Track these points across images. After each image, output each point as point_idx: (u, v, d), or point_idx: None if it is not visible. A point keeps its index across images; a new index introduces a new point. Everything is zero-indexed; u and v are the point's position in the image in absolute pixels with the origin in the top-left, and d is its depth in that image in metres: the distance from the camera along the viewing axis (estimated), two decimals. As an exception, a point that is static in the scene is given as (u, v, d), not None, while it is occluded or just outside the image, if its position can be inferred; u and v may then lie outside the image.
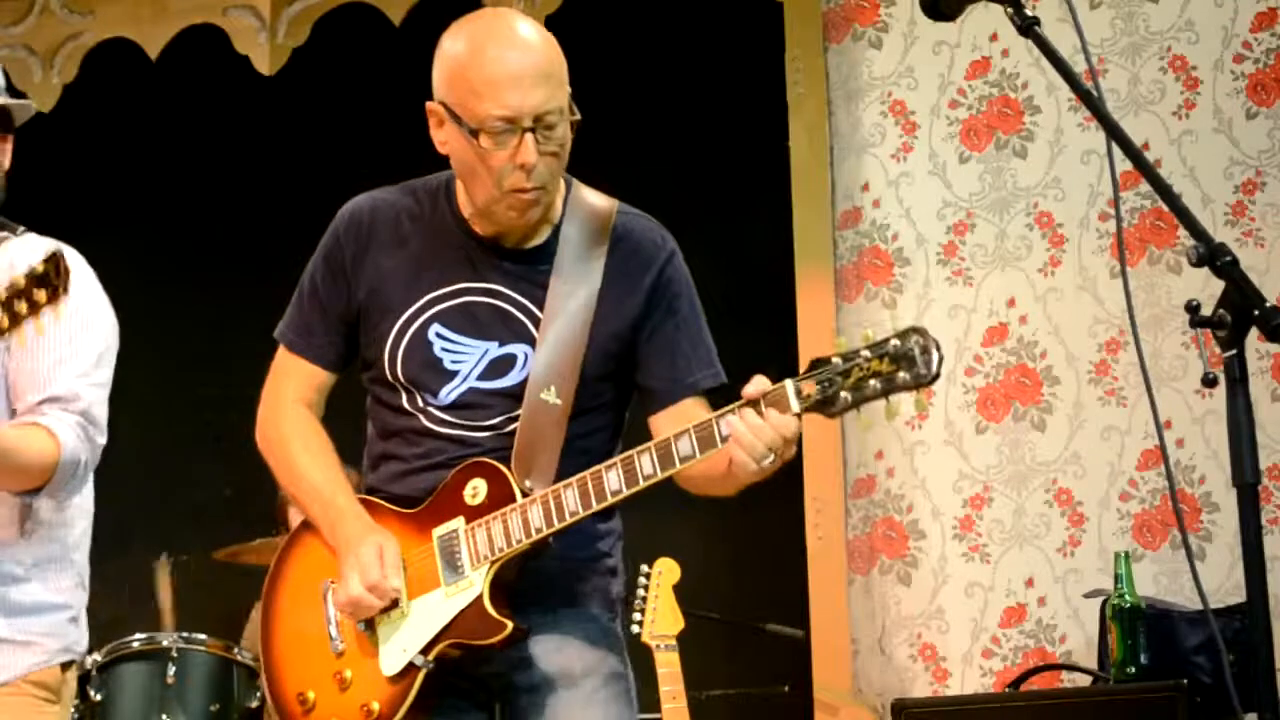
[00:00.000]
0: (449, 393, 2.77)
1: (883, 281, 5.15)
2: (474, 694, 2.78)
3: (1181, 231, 4.78)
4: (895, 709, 4.40)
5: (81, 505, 3.23)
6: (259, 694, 4.22)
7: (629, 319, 2.77)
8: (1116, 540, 4.79)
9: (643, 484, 2.58)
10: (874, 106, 5.25)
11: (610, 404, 2.81)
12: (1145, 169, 2.29)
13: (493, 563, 2.66)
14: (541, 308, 2.75)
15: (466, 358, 2.77)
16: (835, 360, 2.45)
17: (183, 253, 5.76)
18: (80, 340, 3.13)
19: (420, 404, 2.80)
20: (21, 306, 2.69)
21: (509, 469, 2.68)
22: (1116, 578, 4.38)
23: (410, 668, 2.69)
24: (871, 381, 2.41)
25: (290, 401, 2.93)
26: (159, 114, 5.80)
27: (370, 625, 2.74)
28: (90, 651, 4.01)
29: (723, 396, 2.67)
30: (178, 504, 5.62)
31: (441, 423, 2.78)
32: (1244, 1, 4.91)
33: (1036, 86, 5.07)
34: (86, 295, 3.20)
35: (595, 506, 2.61)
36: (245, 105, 5.77)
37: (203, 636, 4.29)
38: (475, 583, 2.67)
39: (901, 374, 2.40)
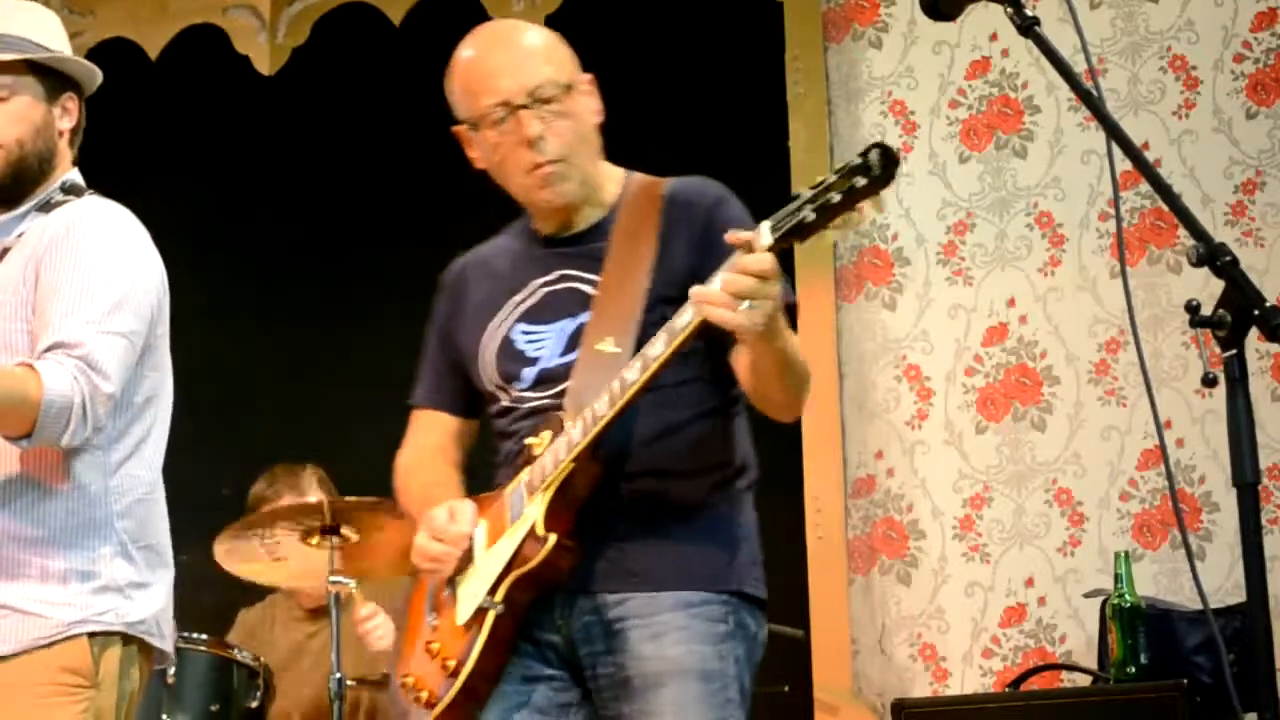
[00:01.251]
0: (531, 373, 2.82)
1: (882, 281, 5.15)
2: (571, 679, 2.75)
3: (1181, 231, 4.78)
4: (895, 709, 4.40)
5: (135, 473, 3.08)
6: (259, 694, 4.22)
7: (685, 267, 2.75)
8: (1116, 540, 4.79)
9: (654, 367, 2.58)
10: (874, 106, 5.25)
11: (698, 355, 2.75)
12: (1145, 169, 2.29)
13: (545, 489, 2.67)
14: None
15: (546, 340, 2.82)
16: (803, 190, 2.45)
17: (182, 252, 5.72)
18: (95, 289, 3.04)
19: (512, 396, 2.84)
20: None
21: (561, 412, 2.72)
22: (1116, 578, 4.38)
23: (479, 612, 2.70)
24: (832, 195, 2.40)
25: (414, 446, 3.01)
26: (159, 114, 5.80)
27: (453, 589, 2.77)
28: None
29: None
30: (178, 504, 5.61)
31: (526, 400, 2.81)
32: (1244, 1, 4.91)
33: (1036, 86, 5.07)
34: (111, 245, 3.14)
35: (621, 402, 2.61)
36: (245, 105, 5.77)
37: (203, 636, 4.29)
38: (530, 515, 2.69)
39: (858, 179, 2.38)
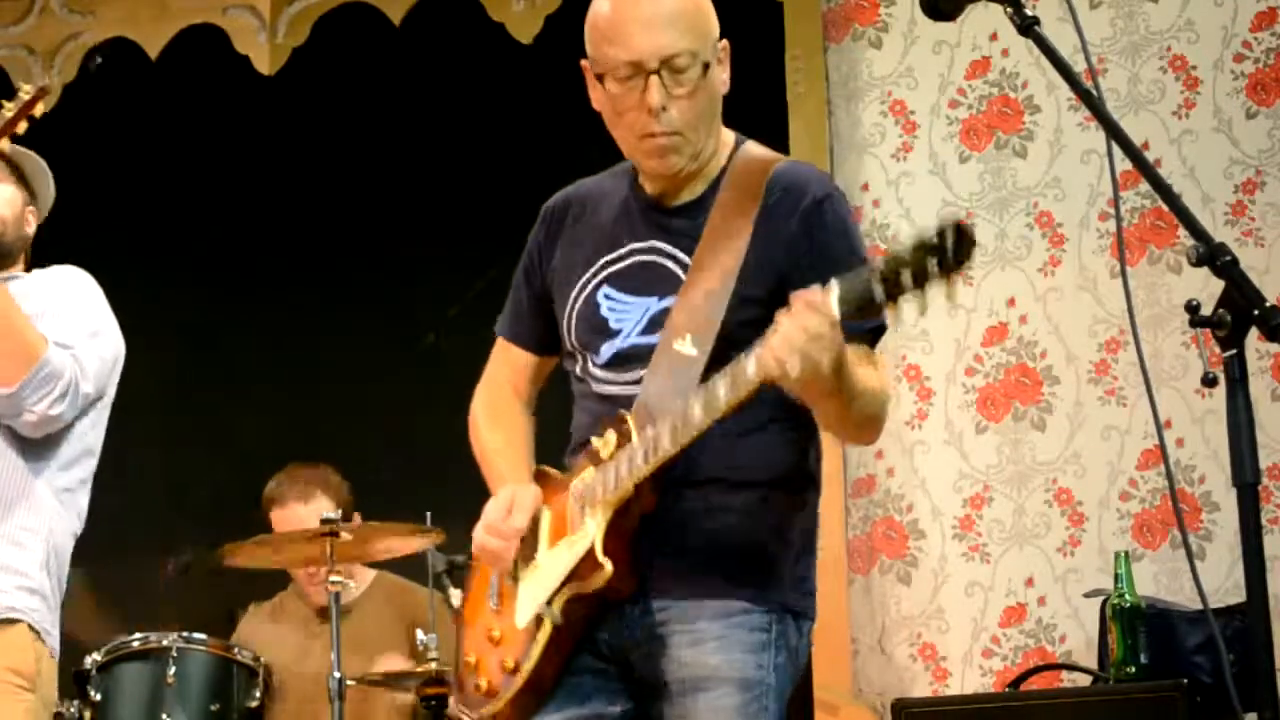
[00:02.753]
0: (608, 349, 2.77)
1: (883, 281, 5.14)
2: (616, 679, 2.74)
3: (1181, 231, 4.78)
4: (895, 709, 4.39)
5: (70, 509, 3.29)
6: (259, 694, 4.22)
7: (777, 267, 2.69)
8: (1116, 540, 4.79)
9: (721, 410, 2.51)
10: (874, 106, 5.25)
11: None
12: (1145, 169, 2.29)
13: (605, 506, 2.64)
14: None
15: (629, 314, 2.77)
16: (874, 261, 2.36)
17: (182, 252, 5.75)
18: (83, 315, 3.29)
19: (587, 367, 2.80)
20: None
21: (629, 415, 2.67)
22: (1116, 577, 4.38)
23: (538, 619, 2.69)
24: (904, 273, 2.29)
25: (491, 382, 2.98)
26: (159, 114, 5.80)
27: (516, 582, 2.75)
28: (89, 651, 4.04)
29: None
30: (178, 504, 5.61)
31: (601, 381, 2.78)
32: (1244, 1, 4.91)
33: (1036, 86, 5.07)
34: (93, 294, 3.35)
35: (683, 440, 2.55)
36: (245, 105, 5.77)
37: (203, 636, 4.29)
38: (590, 529, 2.66)
39: (930, 260, 2.27)
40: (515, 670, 2.70)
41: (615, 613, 2.71)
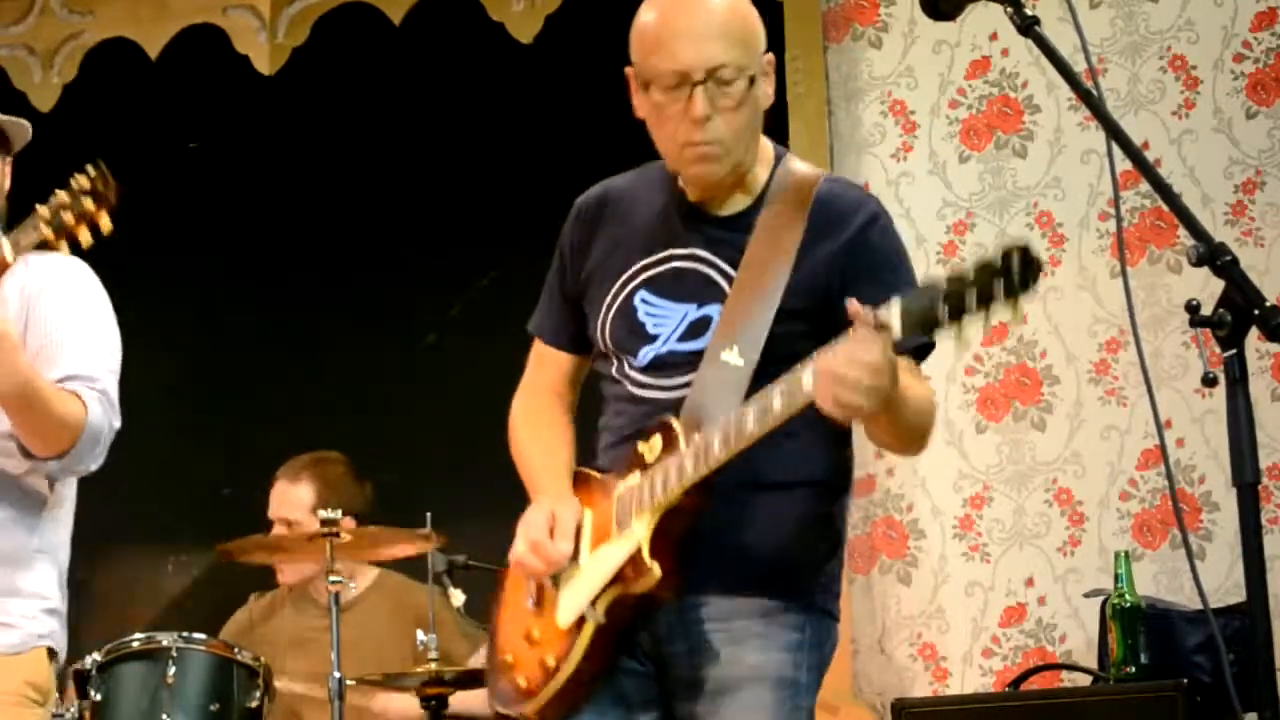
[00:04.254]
0: (646, 354, 2.78)
1: (883, 281, 5.14)
2: (655, 682, 2.76)
3: (1181, 231, 4.78)
4: (895, 709, 4.40)
5: (69, 522, 3.32)
6: (259, 694, 4.22)
7: (822, 284, 2.71)
8: (1116, 540, 4.79)
9: (773, 422, 2.54)
10: (874, 106, 5.25)
11: None
12: (1145, 168, 2.29)
13: (653, 511, 2.65)
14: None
15: (668, 320, 2.77)
16: (938, 279, 2.37)
17: (182, 252, 5.75)
18: (94, 327, 3.24)
19: (625, 369, 2.81)
20: (69, 217, 2.73)
21: (675, 421, 2.68)
22: (1116, 577, 4.38)
23: (581, 620, 2.70)
24: (968, 295, 2.30)
25: (531, 387, 2.98)
26: (159, 114, 5.80)
27: (556, 583, 2.75)
28: (89, 651, 4.04)
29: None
30: (178, 503, 5.62)
31: (639, 385, 2.79)
32: (1244, 1, 4.91)
33: (1036, 86, 5.07)
34: (96, 294, 3.31)
35: (734, 447, 2.57)
36: (245, 105, 5.77)
37: (202, 636, 4.28)
38: (637, 532, 2.67)
39: (996, 283, 2.27)
40: (556, 670, 2.71)
41: (653, 611, 2.72)
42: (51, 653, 3.24)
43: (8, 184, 3.33)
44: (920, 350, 2.71)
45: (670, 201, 2.84)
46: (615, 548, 2.70)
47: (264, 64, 5.62)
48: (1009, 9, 2.34)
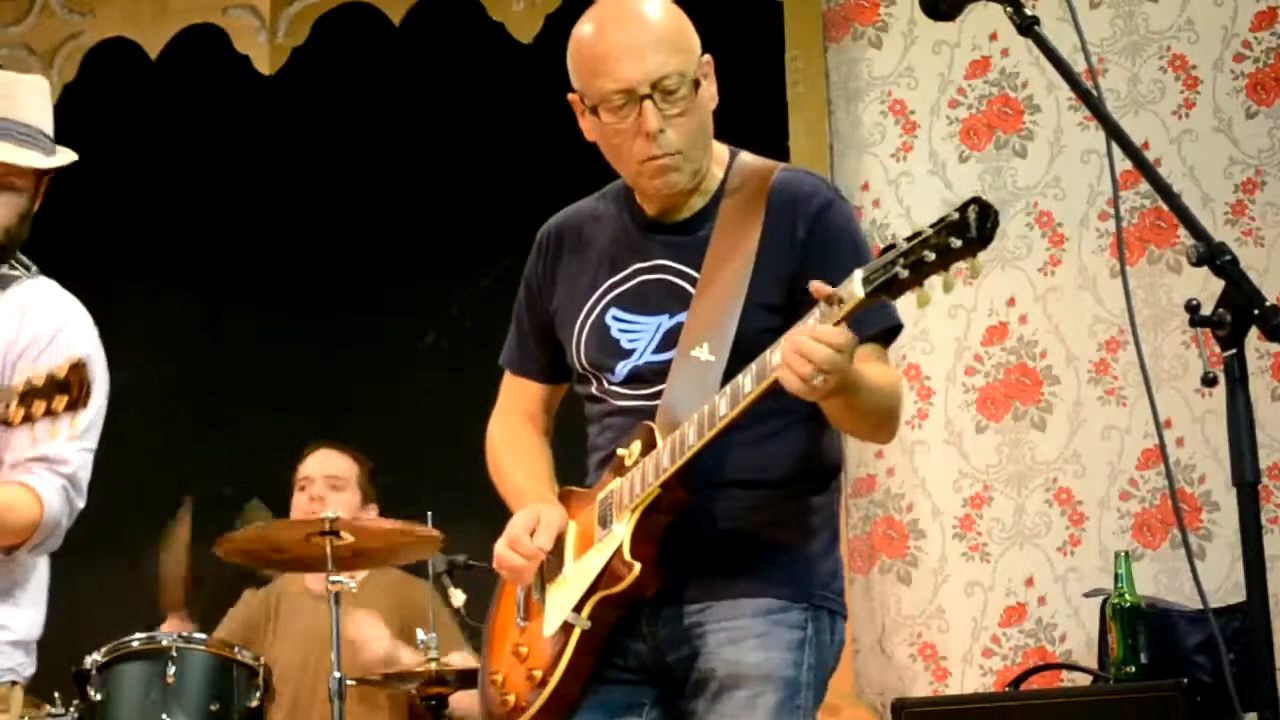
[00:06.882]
0: (623, 369, 2.79)
1: (883, 281, 5.14)
2: (647, 689, 2.77)
3: (1181, 231, 4.78)
4: (895, 708, 4.39)
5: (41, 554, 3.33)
6: (259, 694, 4.22)
7: (786, 271, 2.72)
8: (1116, 540, 4.79)
9: (746, 403, 2.55)
10: (874, 106, 5.25)
11: None
12: (1145, 168, 2.29)
13: (632, 510, 2.66)
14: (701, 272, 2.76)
15: (641, 334, 2.79)
16: (899, 243, 2.38)
17: (182, 252, 5.75)
18: (87, 410, 3.12)
19: (604, 386, 2.82)
20: (38, 408, 2.75)
21: (653, 424, 2.69)
22: (1116, 577, 4.38)
23: (566, 626, 2.70)
24: (927, 252, 2.32)
25: (506, 410, 3.00)
26: (159, 114, 5.80)
27: (543, 594, 2.77)
28: (89, 651, 4.05)
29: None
30: (178, 502, 5.61)
31: (620, 397, 2.80)
32: (1244, 1, 4.91)
33: (1036, 86, 5.07)
34: (97, 357, 3.29)
35: (708, 434, 2.58)
36: (245, 105, 5.77)
37: (202, 636, 4.29)
38: (618, 532, 2.68)
39: (953, 239, 2.29)
40: (543, 683, 2.72)
41: (649, 619, 2.73)
42: (14, 684, 3.26)
43: (37, 205, 3.34)
44: (886, 336, 2.72)
45: (628, 218, 2.86)
46: (597, 553, 2.71)
47: (264, 64, 5.63)
48: (1009, 9, 2.33)
